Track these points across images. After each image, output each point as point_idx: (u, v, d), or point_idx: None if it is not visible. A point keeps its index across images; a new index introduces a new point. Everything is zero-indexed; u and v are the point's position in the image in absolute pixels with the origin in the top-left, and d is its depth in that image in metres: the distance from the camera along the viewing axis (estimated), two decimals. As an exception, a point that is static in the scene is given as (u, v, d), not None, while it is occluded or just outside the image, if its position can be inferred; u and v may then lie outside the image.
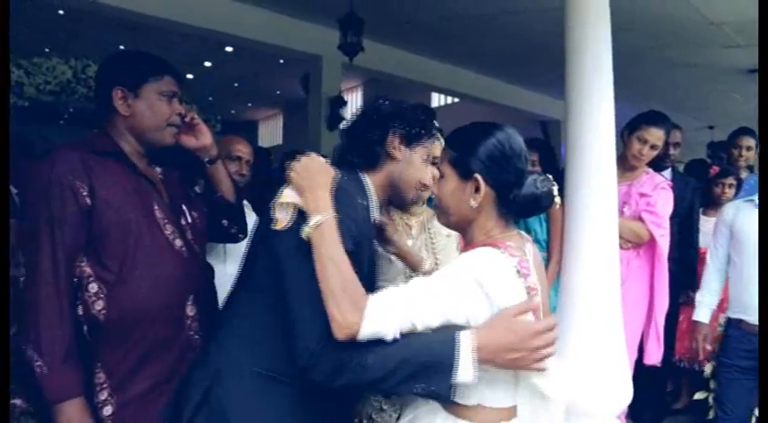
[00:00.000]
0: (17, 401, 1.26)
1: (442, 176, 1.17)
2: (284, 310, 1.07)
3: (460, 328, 1.04)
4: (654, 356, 2.48)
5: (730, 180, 3.15)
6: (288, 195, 1.13)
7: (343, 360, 1.00)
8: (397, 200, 1.33)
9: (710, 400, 2.42)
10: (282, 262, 1.09)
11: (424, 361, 1.00)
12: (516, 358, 1.03)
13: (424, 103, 1.41)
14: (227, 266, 1.90)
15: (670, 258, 2.70)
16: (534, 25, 4.64)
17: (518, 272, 1.07)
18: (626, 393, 2.21)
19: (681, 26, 4.57)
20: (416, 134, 1.29)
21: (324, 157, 1.21)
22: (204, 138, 1.51)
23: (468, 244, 1.18)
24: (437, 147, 1.34)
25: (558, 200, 1.15)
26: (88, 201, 1.27)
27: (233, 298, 1.24)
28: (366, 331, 0.99)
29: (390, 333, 1.00)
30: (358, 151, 1.26)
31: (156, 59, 1.43)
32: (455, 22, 4.95)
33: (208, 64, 7.73)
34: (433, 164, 1.33)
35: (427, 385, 1.01)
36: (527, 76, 6.75)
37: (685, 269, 2.93)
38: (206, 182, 1.59)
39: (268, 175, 3.66)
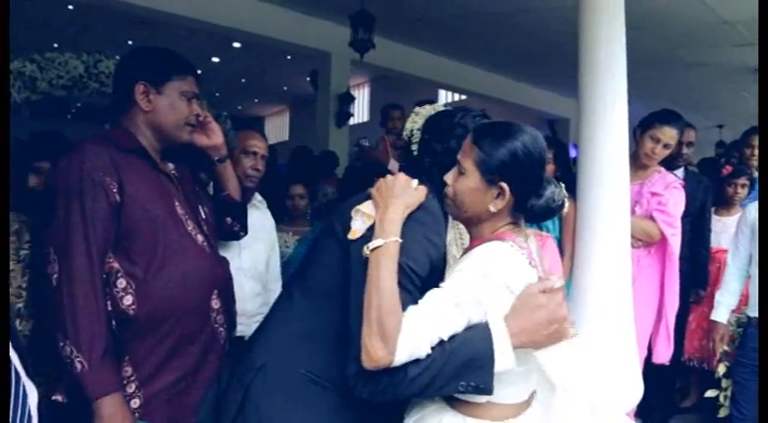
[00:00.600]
0: (58, 397, 1.28)
1: (462, 172, 1.14)
2: (345, 317, 1.07)
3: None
4: (663, 355, 2.48)
5: (743, 180, 3.12)
6: (367, 207, 1.13)
7: (391, 378, 1.00)
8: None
9: (721, 398, 2.42)
10: (353, 271, 1.09)
11: (465, 360, 1.00)
12: (553, 332, 1.05)
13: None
14: (242, 261, 1.92)
15: (681, 257, 2.70)
16: (546, 24, 4.63)
17: (529, 263, 1.09)
18: (636, 390, 2.22)
19: (693, 26, 4.55)
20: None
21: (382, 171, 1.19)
22: (216, 137, 1.53)
23: (474, 239, 1.19)
24: None
25: (567, 206, 1.17)
26: (117, 197, 1.29)
27: (287, 296, 1.24)
28: (401, 359, 0.99)
29: (423, 353, 1.00)
30: (430, 165, 1.22)
31: (182, 59, 1.44)
32: (466, 20, 4.94)
33: (215, 59, 7.75)
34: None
35: (470, 382, 1.01)
36: (536, 75, 6.73)
37: (696, 268, 2.93)
38: (214, 180, 1.62)
39: (274, 171, 3.68)
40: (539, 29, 4.85)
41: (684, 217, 2.78)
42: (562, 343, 1.08)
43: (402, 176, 1.14)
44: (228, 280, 1.49)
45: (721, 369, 2.45)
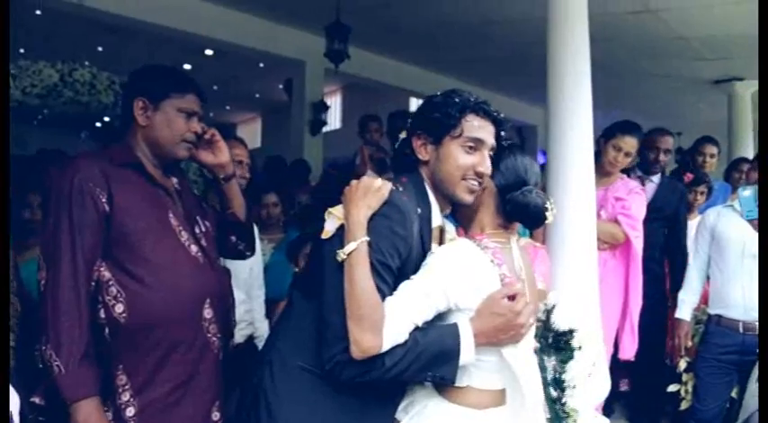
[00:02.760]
0: (36, 399, 1.29)
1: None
2: (318, 312, 1.17)
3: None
4: (628, 351, 2.61)
5: (702, 187, 3.30)
6: (338, 210, 1.23)
7: (369, 366, 1.12)
8: (450, 199, 1.30)
9: (683, 392, 2.57)
10: (324, 268, 1.19)
11: (434, 353, 1.15)
12: (508, 336, 1.19)
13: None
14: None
15: (652, 259, 2.81)
16: (515, 34, 4.79)
17: (491, 261, 1.21)
18: (603, 386, 2.34)
19: (652, 39, 4.78)
20: (436, 127, 1.26)
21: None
22: (222, 155, 1.55)
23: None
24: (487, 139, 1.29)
25: (550, 216, 1.26)
26: (107, 207, 1.32)
27: (289, 300, 1.34)
28: (385, 347, 1.12)
29: (402, 339, 1.14)
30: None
31: (183, 77, 1.48)
32: (437, 30, 5.07)
33: (187, 66, 7.70)
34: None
35: (436, 373, 1.16)
36: (505, 83, 6.92)
37: (674, 273, 2.95)
38: (219, 198, 1.64)
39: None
40: (508, 39, 5.01)
41: (657, 221, 2.91)
42: (522, 342, 1.21)
43: (366, 179, 1.23)
44: (224, 290, 1.51)
45: (682, 364, 2.60)
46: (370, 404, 1.23)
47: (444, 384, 1.21)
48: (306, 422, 1.19)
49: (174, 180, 1.52)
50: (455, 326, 1.17)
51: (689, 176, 3.31)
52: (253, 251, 1.72)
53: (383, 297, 1.14)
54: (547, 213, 1.26)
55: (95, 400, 1.26)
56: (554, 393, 1.35)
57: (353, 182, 1.23)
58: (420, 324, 1.15)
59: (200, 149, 1.52)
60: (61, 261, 1.28)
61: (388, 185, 1.22)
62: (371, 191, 1.19)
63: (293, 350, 1.23)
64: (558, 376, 1.38)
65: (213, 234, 1.55)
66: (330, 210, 1.24)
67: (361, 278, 1.12)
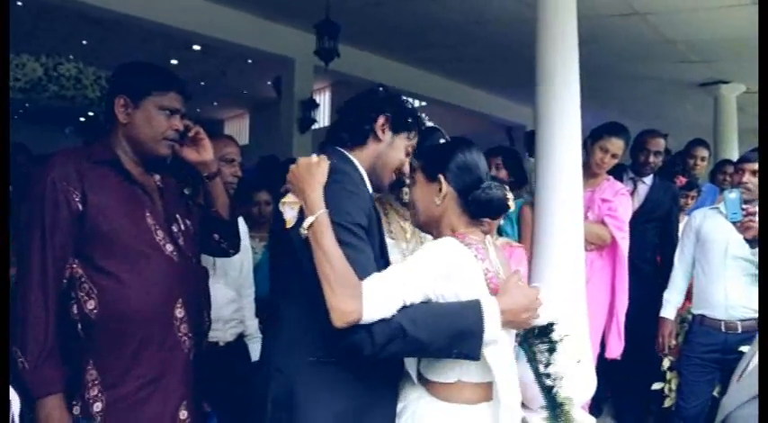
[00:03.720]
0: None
1: (414, 183, 1.37)
2: (318, 299, 1.15)
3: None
4: (615, 350, 2.64)
5: (694, 193, 3.34)
6: (289, 197, 1.25)
7: (391, 338, 1.12)
8: (375, 183, 1.41)
9: (666, 390, 2.61)
10: (302, 258, 1.19)
11: (458, 329, 1.15)
12: (527, 317, 1.23)
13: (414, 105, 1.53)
14: (216, 268, 1.95)
15: (644, 259, 2.84)
16: (504, 34, 4.81)
17: (475, 256, 1.24)
18: (589, 385, 2.37)
19: (639, 42, 4.83)
20: (403, 122, 1.42)
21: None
22: (206, 153, 1.54)
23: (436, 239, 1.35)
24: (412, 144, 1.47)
25: (512, 204, 1.33)
26: (80, 206, 1.33)
27: (274, 306, 1.33)
28: (369, 316, 1.11)
29: (389, 314, 1.13)
30: (348, 127, 1.39)
31: (166, 75, 1.47)
32: (427, 29, 5.07)
33: (174, 62, 7.62)
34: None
35: (461, 349, 1.16)
36: (494, 83, 6.96)
37: (666, 274, 2.87)
38: (204, 196, 1.63)
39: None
40: (497, 39, 5.03)
41: (650, 222, 2.94)
42: (503, 342, 1.23)
43: (304, 159, 1.28)
44: (198, 290, 1.52)
45: (666, 363, 2.64)
46: (382, 385, 1.26)
47: (468, 359, 1.20)
48: (330, 409, 1.20)
49: (157, 178, 1.51)
50: (478, 302, 1.17)
51: (681, 181, 3.34)
52: (237, 249, 1.72)
53: (362, 254, 1.17)
54: (509, 202, 1.31)
55: (59, 396, 1.29)
56: (548, 382, 1.40)
57: (292, 166, 1.27)
58: (408, 303, 1.16)
59: (183, 147, 1.51)
60: (30, 260, 1.30)
61: (324, 157, 1.27)
62: (314, 167, 1.23)
63: (299, 351, 1.24)
64: (546, 368, 1.43)
65: (195, 233, 1.56)
66: (282, 200, 1.26)
67: (327, 246, 1.14)
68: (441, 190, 1.30)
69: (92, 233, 1.33)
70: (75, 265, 1.33)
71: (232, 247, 1.70)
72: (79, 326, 1.32)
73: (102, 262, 1.33)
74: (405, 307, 1.15)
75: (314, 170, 1.23)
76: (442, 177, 1.30)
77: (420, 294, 1.17)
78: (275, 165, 4.52)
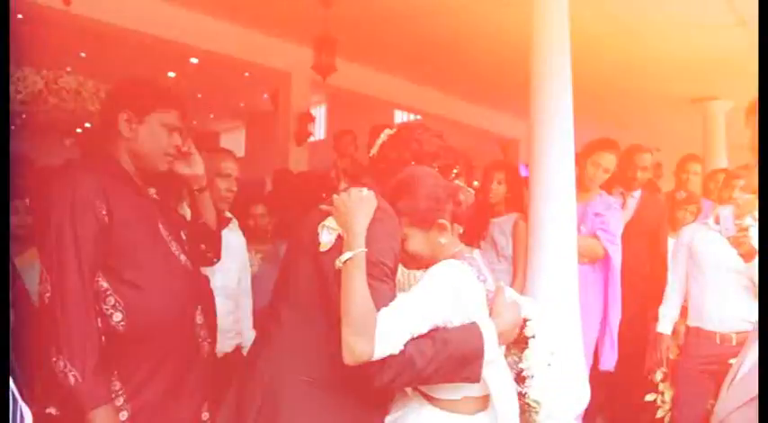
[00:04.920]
0: (51, 410, 1.32)
1: (406, 238, 1.31)
2: (332, 322, 1.16)
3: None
4: (609, 361, 2.67)
5: (693, 208, 3.33)
6: (331, 222, 1.25)
7: (398, 368, 1.13)
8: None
9: (659, 401, 2.63)
10: (331, 279, 1.20)
11: (461, 356, 1.17)
12: (516, 332, 1.29)
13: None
14: (215, 279, 1.97)
15: (637, 274, 2.85)
16: (497, 49, 4.89)
17: (477, 277, 1.26)
18: (583, 396, 2.39)
19: (631, 59, 4.93)
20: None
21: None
22: (197, 168, 1.59)
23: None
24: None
25: (471, 191, 1.38)
26: (106, 219, 1.36)
27: (275, 313, 1.32)
28: (378, 355, 1.12)
29: (397, 349, 1.14)
30: None
31: (168, 92, 1.52)
32: (422, 44, 5.15)
33: (171, 74, 7.67)
34: None
35: (463, 374, 1.18)
36: (488, 97, 7.04)
37: (658, 287, 2.90)
38: (192, 207, 1.68)
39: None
40: (491, 54, 5.12)
41: (640, 236, 2.96)
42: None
43: (355, 190, 1.27)
44: (211, 296, 1.57)
45: (659, 375, 2.67)
46: (370, 410, 1.26)
47: (436, 399, 1.23)
48: None
49: (152, 191, 1.55)
50: (476, 325, 1.20)
51: (682, 195, 3.37)
52: (219, 258, 1.77)
53: (382, 295, 1.17)
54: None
55: (111, 407, 1.30)
56: (517, 387, 1.40)
57: (342, 194, 1.26)
58: (415, 335, 1.16)
59: (175, 161, 1.55)
60: (67, 274, 1.30)
61: (373, 193, 1.27)
62: (363, 200, 1.23)
63: (294, 366, 1.23)
64: (515, 367, 1.43)
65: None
66: (323, 223, 1.26)
67: (357, 286, 1.14)
68: (444, 228, 1.29)
69: (116, 246, 1.36)
70: (99, 279, 1.34)
71: (216, 256, 1.75)
72: (103, 338, 1.33)
73: (127, 274, 1.36)
74: (412, 338, 1.16)
75: (364, 203, 1.23)
76: (443, 221, 1.29)
77: (429, 325, 1.18)
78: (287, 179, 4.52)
